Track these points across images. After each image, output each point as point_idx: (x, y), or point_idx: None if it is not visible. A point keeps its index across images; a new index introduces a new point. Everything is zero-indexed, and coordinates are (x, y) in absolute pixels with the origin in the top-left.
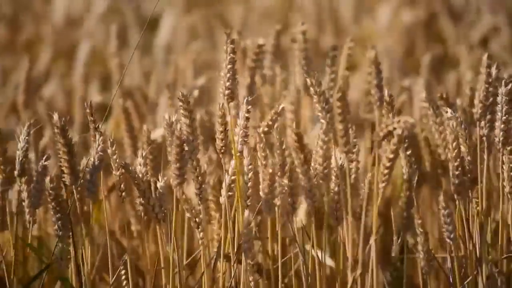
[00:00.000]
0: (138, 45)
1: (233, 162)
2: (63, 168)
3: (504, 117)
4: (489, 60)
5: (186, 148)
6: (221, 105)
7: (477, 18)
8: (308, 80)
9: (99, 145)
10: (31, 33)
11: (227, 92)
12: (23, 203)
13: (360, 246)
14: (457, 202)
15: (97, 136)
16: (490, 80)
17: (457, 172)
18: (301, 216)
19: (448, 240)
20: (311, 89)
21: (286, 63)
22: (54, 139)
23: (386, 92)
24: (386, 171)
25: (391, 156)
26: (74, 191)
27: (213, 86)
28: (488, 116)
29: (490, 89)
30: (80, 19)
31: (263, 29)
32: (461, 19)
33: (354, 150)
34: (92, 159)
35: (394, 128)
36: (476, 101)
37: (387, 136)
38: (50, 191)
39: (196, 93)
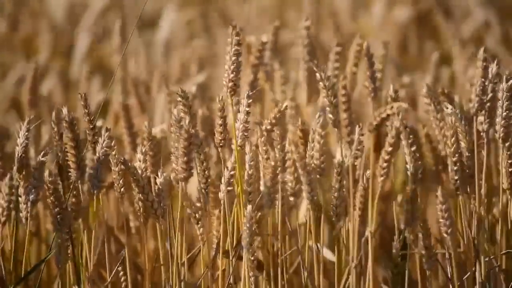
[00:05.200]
0: (138, 42)
1: (233, 157)
2: (70, 163)
3: (505, 113)
4: (485, 54)
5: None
6: (220, 98)
7: (469, 13)
8: (318, 74)
9: (104, 140)
10: (30, 29)
11: (230, 84)
12: (20, 199)
13: (356, 239)
14: (459, 197)
15: (103, 131)
16: (486, 74)
17: (455, 167)
18: (302, 212)
19: (445, 235)
20: (321, 83)
21: (284, 59)
22: (52, 135)
23: (391, 88)
24: (385, 164)
25: (390, 149)
26: (80, 186)
27: (212, 82)
28: (488, 112)
29: (487, 83)
30: (79, 15)
31: (261, 25)
32: (454, 14)
33: (359, 147)
34: (97, 154)
35: (388, 115)
36: (472, 96)
37: (381, 125)
38: (49, 185)
39: (194, 89)
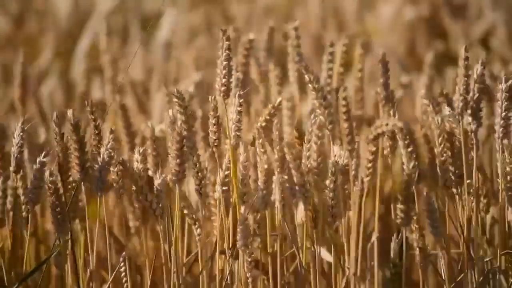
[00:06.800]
0: (140, 42)
1: (226, 157)
2: (74, 165)
3: (504, 113)
4: (466, 52)
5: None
6: (212, 98)
7: (479, 14)
8: (306, 76)
9: (109, 142)
10: (34, 30)
11: (223, 88)
12: (18, 200)
13: (354, 242)
14: (446, 198)
15: (108, 134)
16: (469, 73)
17: (443, 168)
18: (300, 213)
19: (434, 236)
20: (309, 85)
21: (281, 59)
22: (53, 136)
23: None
24: (369, 164)
25: (373, 149)
26: (83, 187)
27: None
28: (479, 113)
29: (473, 83)
30: (83, 16)
31: (266, 25)
32: (463, 16)
33: (355, 147)
34: (101, 156)
35: (383, 132)
36: (456, 96)
37: (377, 138)
38: (50, 185)
39: (192, 89)
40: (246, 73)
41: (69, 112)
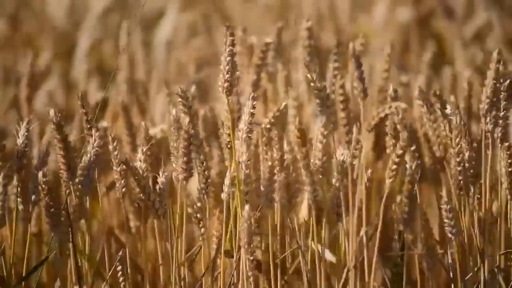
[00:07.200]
0: (140, 42)
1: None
2: (60, 164)
3: (502, 113)
4: (500, 55)
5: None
6: (229, 101)
7: (471, 14)
8: (308, 75)
9: (95, 140)
10: (32, 29)
11: (226, 85)
12: (18, 199)
13: (353, 239)
14: (456, 198)
15: (94, 131)
16: (498, 76)
17: (459, 168)
18: (303, 212)
19: (450, 235)
20: (312, 84)
21: (287, 60)
22: (53, 135)
23: (391, 88)
24: (394, 166)
25: (400, 152)
26: (71, 187)
27: (214, 82)
28: (494, 112)
29: (498, 85)
30: (81, 15)
31: (262, 25)
32: (455, 15)
33: (357, 147)
34: (88, 154)
35: (386, 115)
36: (483, 97)
37: (379, 125)
38: (43, 186)
39: (193, 89)
40: (258, 74)
41: (51, 112)
